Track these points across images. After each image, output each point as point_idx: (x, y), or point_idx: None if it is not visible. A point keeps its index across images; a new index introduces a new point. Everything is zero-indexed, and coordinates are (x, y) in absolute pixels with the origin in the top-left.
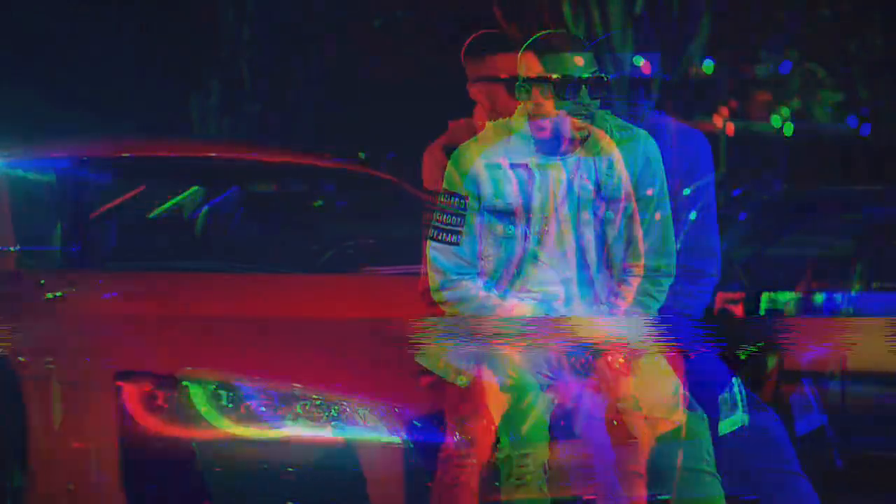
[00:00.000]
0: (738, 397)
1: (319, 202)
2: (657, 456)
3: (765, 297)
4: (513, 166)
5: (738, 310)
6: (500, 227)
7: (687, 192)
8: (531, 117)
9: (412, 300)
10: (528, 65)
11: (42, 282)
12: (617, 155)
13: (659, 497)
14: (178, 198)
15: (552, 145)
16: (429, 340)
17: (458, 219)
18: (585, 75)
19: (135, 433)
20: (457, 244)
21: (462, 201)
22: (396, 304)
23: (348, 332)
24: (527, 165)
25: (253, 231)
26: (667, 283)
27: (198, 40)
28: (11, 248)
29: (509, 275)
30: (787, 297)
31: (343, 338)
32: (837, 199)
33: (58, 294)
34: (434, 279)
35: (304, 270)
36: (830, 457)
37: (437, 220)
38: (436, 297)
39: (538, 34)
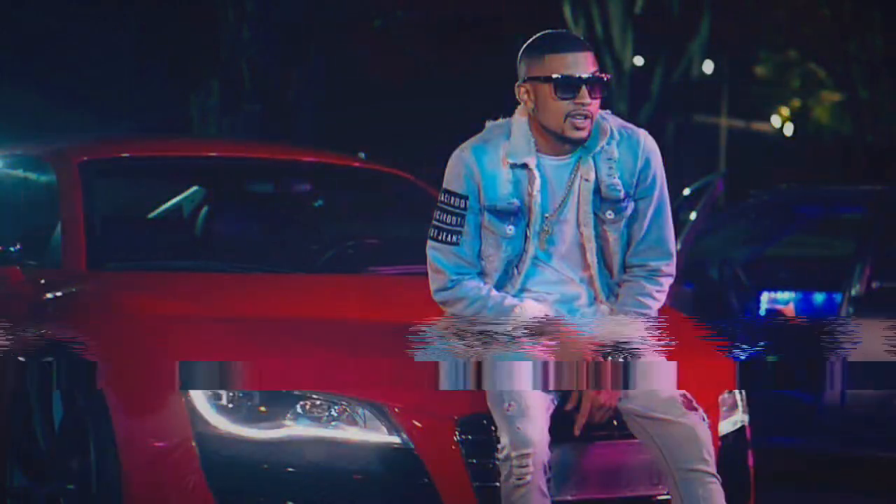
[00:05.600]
0: (738, 397)
1: (319, 202)
2: (658, 456)
3: (765, 297)
4: (513, 166)
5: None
6: (500, 228)
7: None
8: (531, 117)
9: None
10: (527, 65)
11: (42, 282)
12: (617, 155)
13: (659, 497)
14: (179, 198)
15: (552, 145)
16: (430, 340)
17: (458, 219)
18: (585, 75)
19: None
20: (456, 244)
21: (462, 201)
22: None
23: (349, 331)
24: (527, 165)
25: (253, 231)
26: (667, 283)
27: (198, 40)
28: (12, 248)
29: (510, 275)
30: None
31: (344, 337)
32: (837, 199)
33: (57, 294)
34: (435, 279)
35: (306, 270)
36: (745, 457)
37: (438, 220)
38: (436, 297)
39: (538, 34)
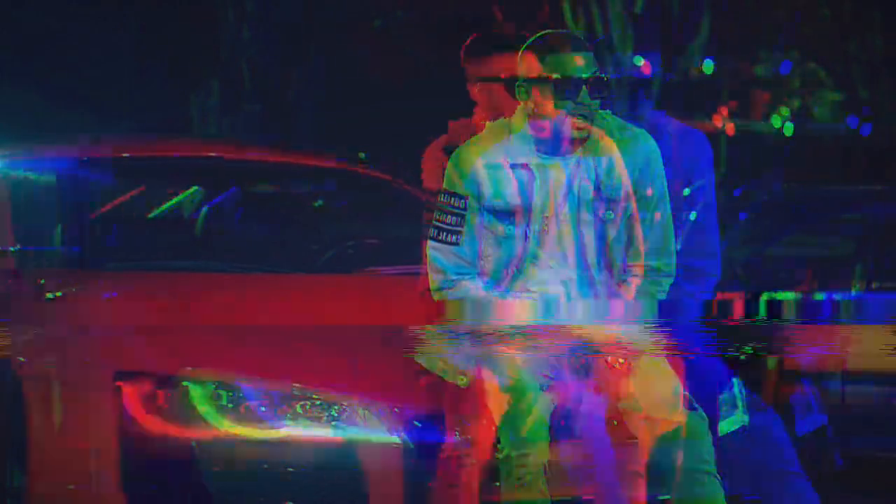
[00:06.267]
0: (738, 397)
1: (319, 202)
2: (657, 456)
3: (764, 297)
4: (513, 166)
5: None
6: (500, 228)
7: (687, 192)
8: (531, 117)
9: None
10: (528, 65)
11: (42, 282)
12: (617, 155)
13: (659, 497)
14: (178, 198)
15: (552, 145)
16: (429, 340)
17: (458, 219)
18: (586, 75)
19: (135, 433)
20: (456, 244)
21: (462, 201)
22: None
23: (349, 331)
24: (527, 165)
25: (253, 231)
26: (667, 283)
27: (198, 40)
28: (12, 249)
29: (509, 275)
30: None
31: (343, 337)
32: (837, 199)
33: (57, 294)
34: (434, 279)
35: (306, 270)
36: (831, 457)
37: (438, 220)
38: (436, 297)
39: (538, 34)
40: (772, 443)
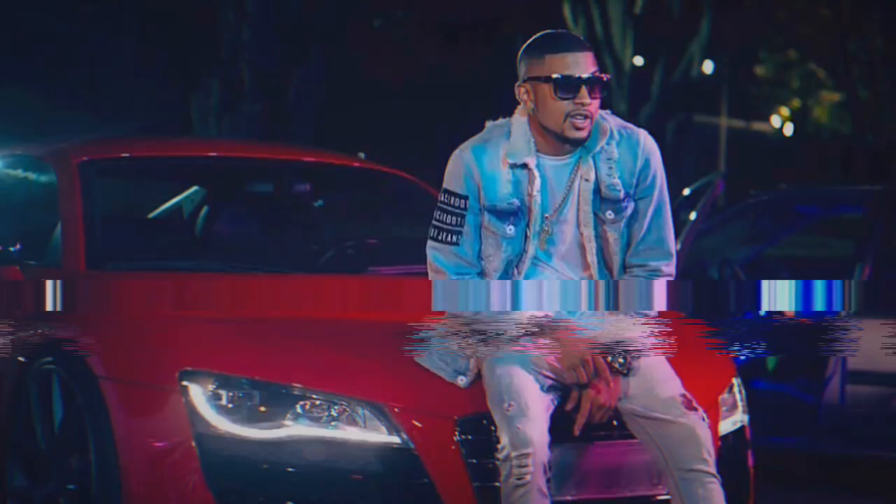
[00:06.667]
0: (738, 397)
1: (319, 202)
2: (657, 456)
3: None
4: (513, 166)
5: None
6: (500, 228)
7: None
8: (531, 117)
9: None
10: (527, 65)
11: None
12: (617, 154)
13: (659, 497)
14: (179, 198)
15: (552, 145)
16: (430, 340)
17: (458, 219)
18: (585, 75)
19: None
20: (456, 244)
21: (462, 201)
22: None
23: (349, 331)
24: (527, 165)
25: (253, 231)
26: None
27: (198, 40)
28: (11, 248)
29: (510, 275)
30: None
31: (344, 337)
32: (837, 199)
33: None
34: (435, 279)
35: (306, 270)
36: (745, 457)
37: (438, 220)
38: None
39: (538, 34)
40: (693, 442)
